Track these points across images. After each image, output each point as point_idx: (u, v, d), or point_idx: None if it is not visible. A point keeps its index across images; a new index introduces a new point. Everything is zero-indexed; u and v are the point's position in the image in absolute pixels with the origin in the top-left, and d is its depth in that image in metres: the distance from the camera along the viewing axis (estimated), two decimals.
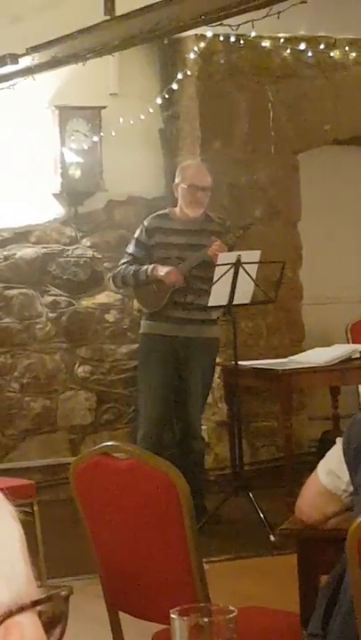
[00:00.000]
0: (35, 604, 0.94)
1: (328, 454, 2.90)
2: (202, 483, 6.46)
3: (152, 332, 6.44)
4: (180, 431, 6.58)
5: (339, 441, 2.85)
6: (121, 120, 7.27)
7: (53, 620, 0.99)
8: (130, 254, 6.48)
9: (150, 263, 6.37)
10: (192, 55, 7.38)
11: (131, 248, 6.51)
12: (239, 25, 5.14)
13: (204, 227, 6.47)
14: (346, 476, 2.81)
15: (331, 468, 2.86)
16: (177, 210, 6.50)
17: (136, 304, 7.07)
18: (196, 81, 7.50)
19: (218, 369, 7.37)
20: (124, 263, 6.48)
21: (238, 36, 7.27)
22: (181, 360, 6.39)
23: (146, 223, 6.51)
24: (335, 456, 2.84)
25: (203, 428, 7.39)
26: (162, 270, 6.29)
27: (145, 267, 6.35)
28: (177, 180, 6.48)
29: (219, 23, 5.12)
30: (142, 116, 7.31)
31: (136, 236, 6.52)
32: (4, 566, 0.91)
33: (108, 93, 7.42)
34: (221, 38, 7.42)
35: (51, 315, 7.33)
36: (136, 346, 7.04)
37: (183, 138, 7.63)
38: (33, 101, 7.07)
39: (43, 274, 7.31)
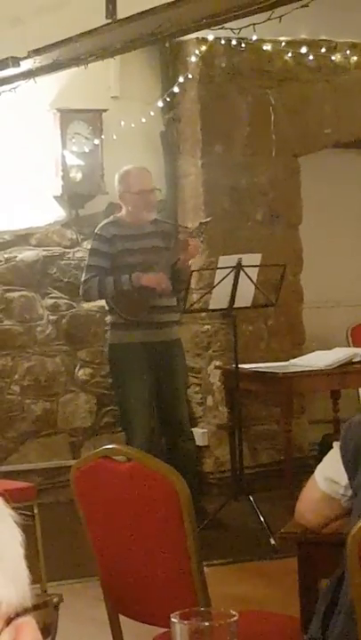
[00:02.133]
0: (35, 607, 0.96)
1: (326, 458, 2.91)
2: (197, 483, 6.43)
3: (127, 342, 6.32)
4: (170, 435, 6.53)
5: (336, 445, 2.85)
6: (122, 123, 7.28)
7: (44, 628, 1.01)
8: (95, 266, 6.33)
9: (114, 272, 6.27)
10: (193, 58, 7.39)
11: (93, 260, 6.38)
12: (241, 28, 5.13)
13: (157, 228, 6.46)
14: (344, 480, 2.81)
15: (329, 473, 2.86)
16: (124, 216, 6.44)
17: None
18: (198, 84, 7.50)
19: (218, 372, 7.38)
20: (92, 276, 6.33)
21: (240, 40, 7.28)
22: (161, 365, 6.34)
23: (102, 232, 6.39)
24: (333, 460, 2.84)
25: (203, 431, 7.40)
26: (149, 278, 6.22)
27: (125, 276, 6.24)
28: (121, 189, 6.40)
29: (220, 26, 5.12)
30: (143, 119, 7.32)
31: (95, 246, 6.40)
32: (12, 569, 0.93)
33: (110, 96, 7.43)
34: (223, 41, 7.42)
35: (51, 317, 7.34)
36: None
37: (184, 141, 7.63)
38: (34, 104, 7.07)
39: (43, 276, 7.31)
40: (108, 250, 6.34)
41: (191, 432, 6.67)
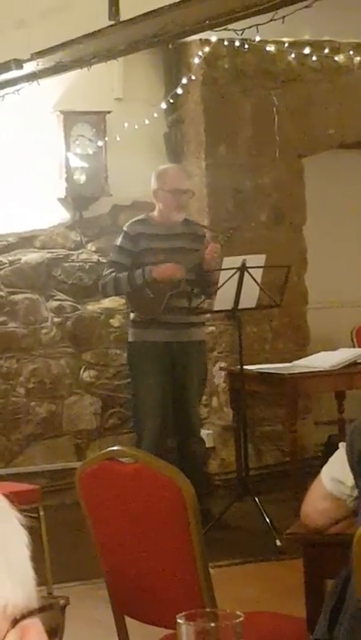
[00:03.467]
0: (41, 609, 0.96)
1: (331, 459, 2.90)
2: (205, 485, 6.45)
3: (145, 340, 6.38)
4: (180, 435, 6.56)
5: (342, 446, 2.85)
6: (126, 125, 7.28)
7: (51, 631, 1.01)
8: (115, 262, 6.40)
9: (137, 270, 6.33)
10: (197, 60, 7.39)
11: (115, 256, 6.44)
12: (244, 29, 5.13)
13: (186, 230, 6.47)
14: (350, 481, 2.81)
15: (335, 473, 2.86)
16: (155, 215, 6.47)
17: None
18: (201, 85, 7.50)
19: (223, 374, 7.38)
20: (111, 272, 6.39)
21: (243, 41, 7.27)
22: (177, 365, 6.37)
23: (128, 230, 6.44)
24: (339, 461, 2.84)
25: (208, 432, 7.40)
26: (160, 269, 6.25)
27: (139, 270, 6.31)
28: (155, 186, 6.44)
29: (223, 28, 5.12)
30: (147, 121, 7.32)
31: (119, 243, 6.45)
32: (18, 570, 0.93)
33: (113, 98, 7.43)
34: (226, 43, 7.42)
35: (56, 319, 7.34)
36: None
37: (188, 142, 7.64)
38: (38, 106, 7.07)
39: (48, 279, 7.32)
40: (130, 247, 6.38)
41: (200, 434, 6.66)
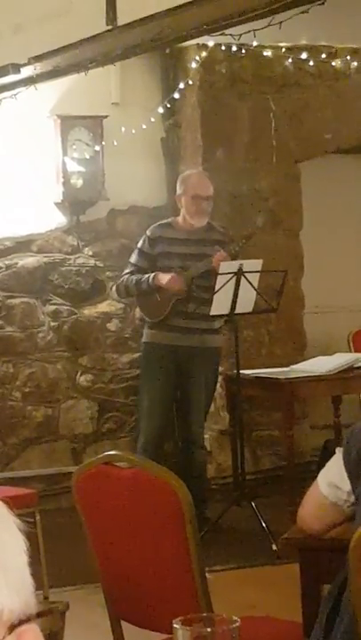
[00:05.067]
0: (39, 615, 0.96)
1: (328, 464, 2.90)
2: (204, 492, 6.46)
3: (155, 342, 6.44)
4: (182, 441, 6.59)
5: (339, 451, 2.85)
6: (123, 129, 7.29)
7: (51, 635, 1.02)
8: (133, 264, 6.49)
9: (145, 274, 6.38)
10: (194, 64, 7.40)
11: (134, 258, 6.52)
12: (241, 34, 5.14)
13: (207, 236, 6.48)
14: (347, 487, 2.81)
15: (331, 478, 2.86)
16: (180, 219, 6.51)
17: (138, 313, 7.05)
18: (198, 90, 7.51)
19: (220, 378, 7.38)
20: (127, 273, 6.48)
21: (240, 46, 7.28)
22: (184, 370, 6.39)
23: (149, 233, 6.50)
24: (336, 466, 2.84)
25: (205, 437, 7.39)
26: (163, 278, 6.30)
27: (147, 275, 6.36)
28: (179, 191, 6.48)
29: (220, 33, 5.13)
30: (144, 126, 7.33)
31: (139, 246, 6.52)
32: (14, 576, 0.94)
33: (110, 103, 7.44)
34: (223, 48, 7.43)
35: (52, 324, 7.34)
36: (138, 355, 7.05)
37: (185, 147, 7.64)
38: (35, 111, 7.08)
39: (44, 283, 7.32)
40: (148, 250, 6.44)
41: (202, 442, 6.63)
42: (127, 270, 6.51)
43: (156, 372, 6.41)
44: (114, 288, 6.75)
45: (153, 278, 6.32)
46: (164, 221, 6.58)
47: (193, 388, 6.41)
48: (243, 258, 6.48)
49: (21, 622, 0.92)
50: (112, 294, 7.32)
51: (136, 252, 6.53)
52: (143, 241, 6.50)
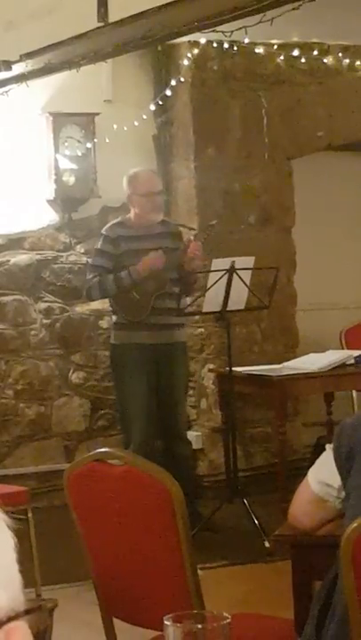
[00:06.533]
0: (27, 612, 0.96)
1: (318, 461, 2.90)
2: (192, 486, 6.43)
3: (130, 342, 6.35)
4: (166, 437, 6.54)
5: (329, 447, 2.85)
6: (115, 126, 7.28)
7: (39, 633, 1.02)
8: (98, 266, 6.37)
9: (118, 272, 6.30)
10: (185, 61, 7.39)
11: (98, 260, 6.41)
12: (232, 31, 5.14)
13: (165, 229, 6.49)
14: (337, 483, 2.81)
15: (322, 475, 2.86)
16: (132, 217, 6.47)
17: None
18: (190, 87, 7.50)
19: (212, 375, 7.38)
20: (95, 276, 6.37)
21: (232, 43, 7.28)
22: (162, 366, 6.37)
23: (107, 233, 6.43)
24: (326, 463, 2.84)
25: (197, 434, 7.40)
26: (144, 263, 6.22)
27: (124, 271, 6.28)
28: (129, 191, 6.43)
29: (212, 29, 5.12)
30: (136, 123, 7.32)
31: (100, 246, 6.44)
32: (2, 573, 0.93)
33: (102, 100, 7.43)
34: (215, 45, 7.42)
35: (45, 321, 7.33)
36: None
37: (177, 144, 7.64)
38: (26, 108, 7.07)
39: (37, 280, 7.31)
40: (111, 250, 6.37)
41: (186, 435, 6.67)
42: (92, 273, 6.39)
43: (136, 372, 6.33)
44: (84, 292, 6.61)
45: (135, 271, 6.26)
46: (117, 220, 6.53)
47: (174, 384, 6.42)
48: (236, 255, 6.48)
49: (9, 619, 0.92)
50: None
51: (98, 253, 6.44)
52: (104, 242, 6.41)
